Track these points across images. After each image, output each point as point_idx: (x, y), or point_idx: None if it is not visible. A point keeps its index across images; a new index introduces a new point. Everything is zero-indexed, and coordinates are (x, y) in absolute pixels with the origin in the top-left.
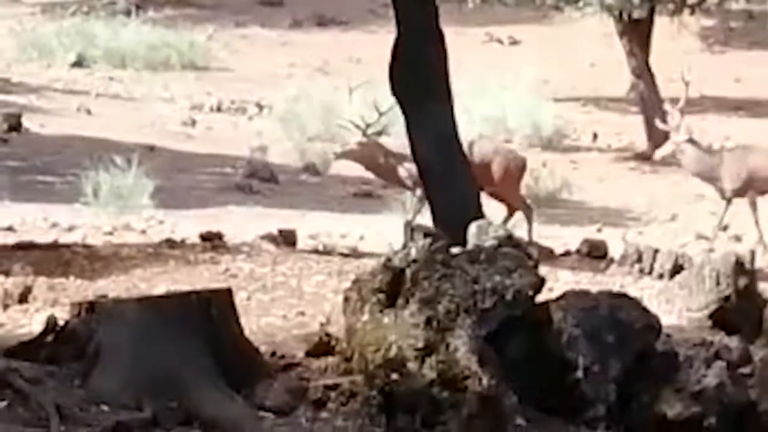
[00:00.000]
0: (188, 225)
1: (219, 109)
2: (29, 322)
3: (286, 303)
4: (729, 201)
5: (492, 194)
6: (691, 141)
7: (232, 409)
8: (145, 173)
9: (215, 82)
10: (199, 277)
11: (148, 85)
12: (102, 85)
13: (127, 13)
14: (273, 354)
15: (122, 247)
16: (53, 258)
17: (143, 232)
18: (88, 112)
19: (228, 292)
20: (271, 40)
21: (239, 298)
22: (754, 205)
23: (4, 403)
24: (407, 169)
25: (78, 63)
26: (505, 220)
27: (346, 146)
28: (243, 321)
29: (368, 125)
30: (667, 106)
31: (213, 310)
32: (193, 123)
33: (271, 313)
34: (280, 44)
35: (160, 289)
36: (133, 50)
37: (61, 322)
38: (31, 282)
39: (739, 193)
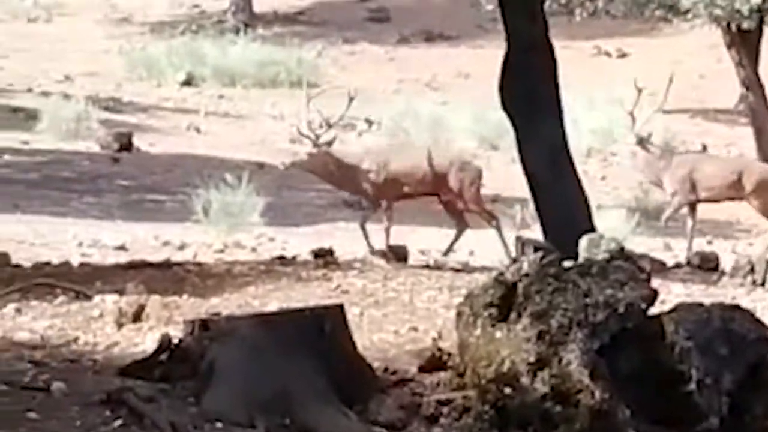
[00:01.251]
0: (298, 242)
1: (328, 126)
2: (143, 341)
3: (399, 318)
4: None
5: (447, 204)
6: (641, 144)
7: (345, 425)
8: (255, 191)
9: (324, 99)
10: (312, 294)
11: (257, 102)
12: (211, 104)
13: (236, 31)
14: (386, 370)
15: (234, 264)
16: (166, 276)
17: (254, 249)
18: (198, 130)
19: (340, 309)
20: (379, 56)
21: (351, 314)
22: (693, 213)
23: (119, 422)
24: (363, 179)
25: (187, 82)
26: (458, 235)
27: (296, 157)
28: (356, 337)
29: (318, 136)
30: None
31: (326, 327)
32: (302, 140)
33: (383, 328)
34: (388, 60)
35: (272, 306)
36: (242, 68)
37: (174, 341)
38: (145, 300)
39: (683, 199)
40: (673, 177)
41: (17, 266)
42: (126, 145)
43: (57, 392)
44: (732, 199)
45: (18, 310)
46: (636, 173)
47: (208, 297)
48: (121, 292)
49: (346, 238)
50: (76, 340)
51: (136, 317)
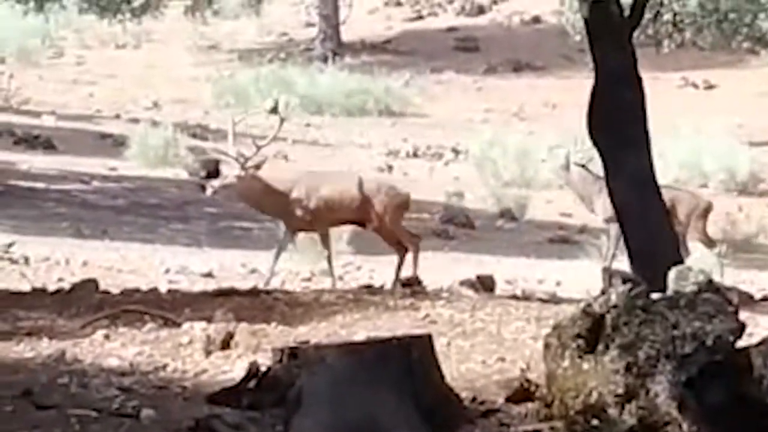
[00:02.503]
0: (385, 271)
1: (415, 155)
2: (231, 368)
3: (486, 349)
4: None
5: (376, 231)
6: (582, 166)
7: None
8: None
9: (411, 128)
10: (400, 323)
11: (345, 131)
12: (299, 132)
13: (324, 60)
14: (473, 400)
15: (322, 293)
16: (254, 304)
17: (341, 278)
18: (285, 158)
19: (428, 338)
20: (466, 86)
21: (439, 344)
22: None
23: None
24: (290, 204)
25: (275, 109)
26: (400, 263)
27: (224, 180)
28: (443, 367)
29: (246, 159)
30: None
31: (414, 356)
32: (390, 169)
33: (471, 358)
34: (475, 90)
35: (360, 335)
36: (329, 97)
37: (263, 368)
38: (233, 328)
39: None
40: (605, 201)
41: (106, 292)
42: (213, 173)
43: (146, 419)
44: None
45: (107, 337)
46: (571, 189)
47: (296, 325)
48: (209, 320)
49: (432, 267)
50: (164, 366)
51: (225, 345)
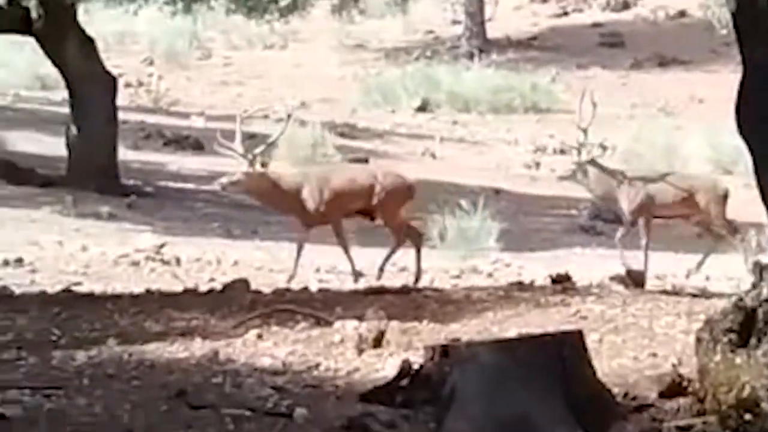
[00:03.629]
0: (534, 267)
1: (562, 152)
2: (383, 367)
3: (638, 344)
4: (632, 225)
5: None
6: (592, 162)
7: None
8: (491, 216)
9: (558, 124)
10: (550, 320)
11: (492, 128)
12: (446, 129)
13: (470, 57)
14: (625, 395)
15: (472, 290)
16: (405, 302)
17: (490, 275)
18: (433, 156)
19: (580, 334)
20: (612, 81)
21: (590, 339)
22: (647, 230)
23: None
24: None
25: (422, 107)
26: (392, 250)
27: (232, 177)
28: (595, 362)
29: (254, 155)
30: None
31: (565, 352)
32: (537, 165)
33: (622, 354)
34: (621, 85)
35: (511, 332)
36: (476, 94)
37: (415, 366)
38: (385, 326)
39: (636, 217)
40: (628, 195)
41: (257, 292)
42: None
43: (299, 418)
44: (685, 216)
45: (259, 336)
46: (590, 192)
47: (447, 323)
48: (360, 318)
49: (581, 263)
50: (317, 365)
51: (377, 343)
